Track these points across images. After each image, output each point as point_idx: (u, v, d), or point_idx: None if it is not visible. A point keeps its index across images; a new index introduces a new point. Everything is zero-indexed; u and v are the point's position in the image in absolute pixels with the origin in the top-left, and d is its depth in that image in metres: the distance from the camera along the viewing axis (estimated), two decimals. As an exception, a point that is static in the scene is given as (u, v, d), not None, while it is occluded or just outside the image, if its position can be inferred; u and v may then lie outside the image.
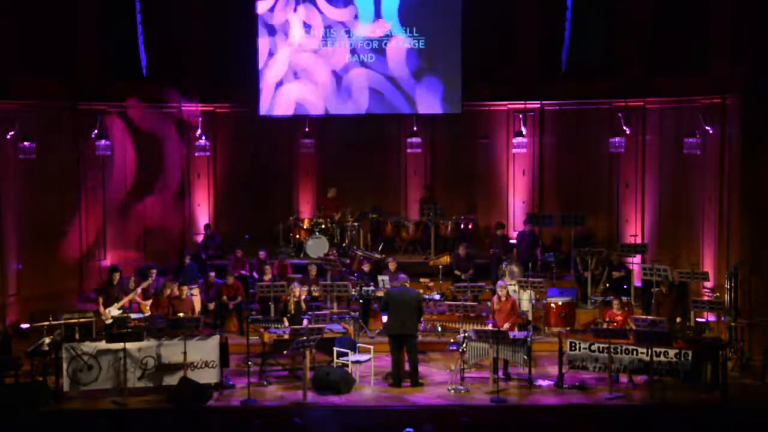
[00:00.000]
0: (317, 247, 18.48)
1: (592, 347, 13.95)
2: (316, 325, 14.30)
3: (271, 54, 19.40)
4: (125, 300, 15.61)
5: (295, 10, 19.18)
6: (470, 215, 19.71)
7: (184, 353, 13.68)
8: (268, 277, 16.76)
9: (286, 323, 14.82)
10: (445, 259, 17.81)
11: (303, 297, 15.44)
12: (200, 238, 19.43)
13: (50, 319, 14.71)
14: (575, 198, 19.24)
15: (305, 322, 14.68)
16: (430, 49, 19.16)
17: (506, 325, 14.48)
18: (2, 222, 16.64)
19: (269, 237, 19.34)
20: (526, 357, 13.93)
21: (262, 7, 19.24)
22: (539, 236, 18.63)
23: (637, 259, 17.73)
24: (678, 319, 15.00)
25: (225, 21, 19.42)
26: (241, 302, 16.67)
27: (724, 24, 16.33)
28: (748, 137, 15.62)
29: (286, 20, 19.32)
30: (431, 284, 17.07)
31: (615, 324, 14.34)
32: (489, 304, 15.48)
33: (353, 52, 19.28)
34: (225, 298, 16.63)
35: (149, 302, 15.86)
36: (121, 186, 18.97)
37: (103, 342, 13.77)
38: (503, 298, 14.79)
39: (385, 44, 19.22)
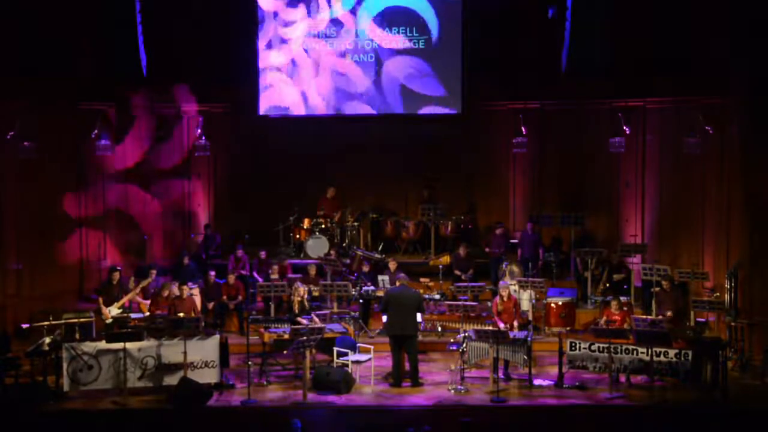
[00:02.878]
0: (317, 247, 18.48)
1: (592, 347, 13.95)
2: (316, 325, 14.32)
3: (271, 54, 19.41)
4: (125, 299, 15.60)
5: (296, 6, 19.24)
6: (470, 215, 19.71)
7: (184, 353, 13.67)
8: (274, 276, 16.77)
9: (303, 322, 14.77)
10: (445, 259, 17.81)
11: (306, 297, 15.45)
12: (200, 238, 19.42)
13: (50, 319, 14.71)
14: (575, 198, 19.24)
15: (305, 321, 14.70)
16: (430, 49, 19.18)
17: (515, 323, 14.49)
18: (2, 222, 16.64)
19: (269, 237, 19.34)
20: (526, 357, 13.93)
21: (261, 6, 19.26)
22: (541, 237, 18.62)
23: (637, 259, 17.73)
24: (668, 313, 14.89)
25: (225, 21, 19.40)
26: (242, 302, 16.68)
27: (724, 24, 16.32)
28: (748, 137, 15.63)
29: (286, 20, 19.35)
30: (431, 284, 17.07)
31: (614, 324, 14.33)
32: (489, 304, 15.49)
33: (353, 51, 19.30)
34: (225, 298, 16.64)
35: (149, 302, 15.85)
36: (121, 186, 18.98)
37: (103, 342, 13.75)
38: (506, 299, 14.79)
39: (385, 44, 19.22)
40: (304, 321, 14.73)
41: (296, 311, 15.05)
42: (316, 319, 14.88)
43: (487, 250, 18.19)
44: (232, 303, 16.65)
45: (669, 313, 14.92)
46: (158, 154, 19.50)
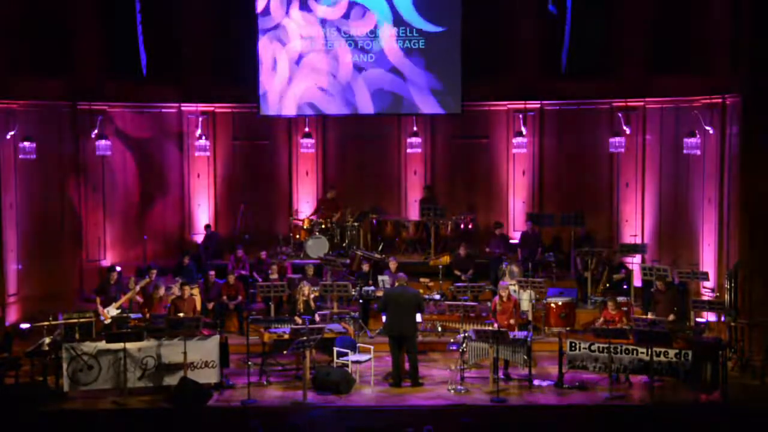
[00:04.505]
0: (317, 247, 18.48)
1: (592, 347, 13.95)
2: (316, 325, 14.31)
3: (271, 54, 19.41)
4: (123, 299, 15.57)
5: (287, 12, 19.25)
6: (470, 215, 19.71)
7: (184, 353, 13.67)
8: (274, 276, 16.78)
9: (299, 321, 14.77)
10: (445, 259, 17.80)
11: (312, 296, 15.44)
12: (200, 238, 19.42)
13: (50, 319, 14.71)
14: (575, 198, 19.25)
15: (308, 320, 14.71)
16: (429, 49, 19.17)
17: (512, 321, 14.49)
18: (2, 222, 16.63)
19: (269, 237, 19.32)
20: (526, 357, 13.93)
21: (261, 6, 19.28)
22: (541, 236, 18.60)
23: (637, 259, 17.73)
24: (671, 317, 14.90)
25: (225, 21, 19.42)
26: (242, 302, 16.67)
27: (724, 24, 16.32)
28: (748, 137, 15.62)
29: (286, 19, 19.34)
30: (431, 284, 17.07)
31: (613, 324, 14.32)
32: (489, 304, 15.48)
33: (353, 52, 19.29)
34: (225, 298, 16.63)
35: (142, 299, 15.81)
36: (121, 186, 18.98)
37: (103, 342, 13.75)
38: (505, 299, 14.78)
39: (385, 44, 19.22)
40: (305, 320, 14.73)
41: (300, 310, 15.04)
42: (317, 318, 14.87)
43: (487, 250, 18.19)
44: (232, 303, 16.64)
45: (671, 317, 14.87)
46: (158, 154, 19.50)
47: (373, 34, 19.20)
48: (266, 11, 19.29)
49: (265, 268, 17.46)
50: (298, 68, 19.41)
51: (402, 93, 19.29)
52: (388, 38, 19.18)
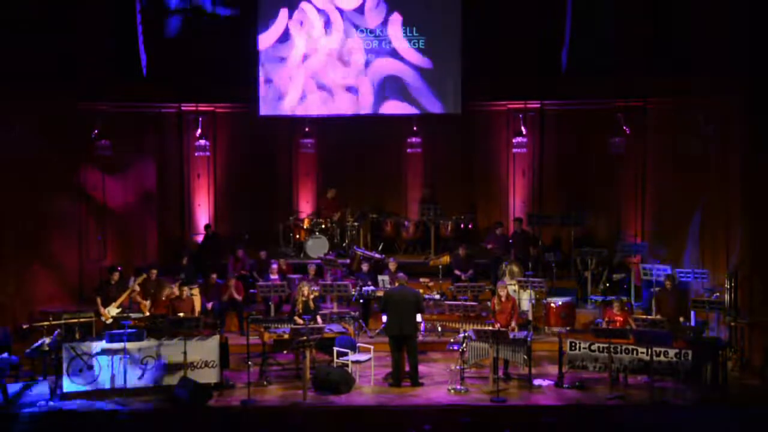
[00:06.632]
0: (317, 247, 18.50)
1: (592, 347, 13.95)
2: (316, 325, 14.32)
3: (271, 53, 19.41)
4: (122, 298, 15.56)
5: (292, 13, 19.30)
6: (470, 215, 19.71)
7: (184, 353, 13.68)
8: (274, 276, 16.77)
9: (300, 322, 14.76)
10: (445, 259, 17.81)
11: (312, 296, 15.43)
12: (200, 238, 19.42)
13: (50, 319, 14.71)
14: (575, 198, 19.25)
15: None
16: (429, 49, 19.19)
17: (512, 323, 14.49)
18: (2, 222, 16.63)
19: (269, 237, 19.34)
20: (526, 357, 13.93)
21: (263, 6, 19.30)
22: (533, 235, 18.57)
23: (637, 259, 17.73)
24: (681, 318, 14.92)
25: (224, 20, 19.40)
26: (241, 302, 16.66)
27: (725, 24, 16.32)
28: (748, 137, 15.62)
29: (286, 20, 19.35)
30: (431, 284, 17.08)
31: (615, 324, 14.33)
32: (489, 304, 15.49)
33: (353, 53, 19.29)
34: (225, 298, 16.63)
35: (149, 302, 15.82)
36: (121, 186, 18.97)
37: (103, 342, 13.76)
38: (504, 299, 14.78)
39: (385, 44, 19.23)
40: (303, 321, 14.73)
41: (299, 311, 15.02)
42: (319, 320, 14.87)
43: (489, 247, 18.16)
44: (231, 302, 16.62)
45: (681, 318, 14.91)
46: (158, 154, 19.51)
47: (373, 34, 19.23)
48: (268, 10, 19.34)
49: (265, 268, 17.47)
50: (298, 68, 19.41)
51: (402, 93, 19.29)
52: (388, 38, 19.19)
